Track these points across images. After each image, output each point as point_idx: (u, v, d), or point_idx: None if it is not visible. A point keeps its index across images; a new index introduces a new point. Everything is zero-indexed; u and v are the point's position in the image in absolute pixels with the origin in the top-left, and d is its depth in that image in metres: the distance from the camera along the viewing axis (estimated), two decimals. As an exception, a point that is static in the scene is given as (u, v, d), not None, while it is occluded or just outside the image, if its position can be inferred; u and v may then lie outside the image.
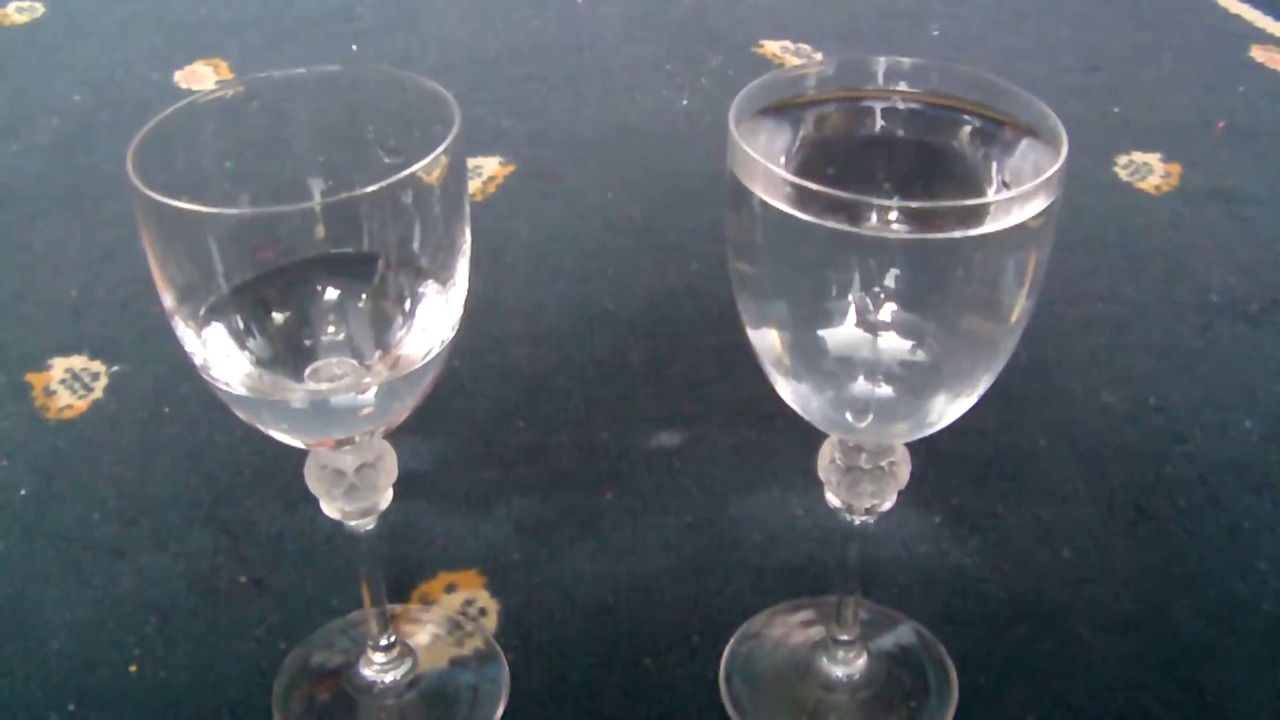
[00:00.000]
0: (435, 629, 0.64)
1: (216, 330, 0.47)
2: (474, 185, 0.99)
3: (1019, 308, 0.44)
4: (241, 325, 0.48)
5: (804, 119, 0.49)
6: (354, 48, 1.23)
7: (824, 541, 0.67)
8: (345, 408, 0.47)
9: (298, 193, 0.51)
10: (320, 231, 0.46)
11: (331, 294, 0.49)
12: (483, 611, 0.65)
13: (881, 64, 0.49)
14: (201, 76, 1.17)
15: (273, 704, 0.60)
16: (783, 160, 0.48)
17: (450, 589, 0.66)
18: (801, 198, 0.41)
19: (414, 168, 0.44)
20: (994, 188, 0.47)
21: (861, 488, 0.53)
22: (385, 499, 0.54)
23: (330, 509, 0.54)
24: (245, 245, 0.47)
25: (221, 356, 0.47)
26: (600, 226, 0.95)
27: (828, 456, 0.53)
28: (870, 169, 0.50)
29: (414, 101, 0.49)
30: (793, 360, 0.47)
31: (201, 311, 0.47)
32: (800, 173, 0.42)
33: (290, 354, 0.49)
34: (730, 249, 0.47)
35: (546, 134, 1.07)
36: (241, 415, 0.48)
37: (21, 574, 0.67)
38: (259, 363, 0.48)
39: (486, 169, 1.01)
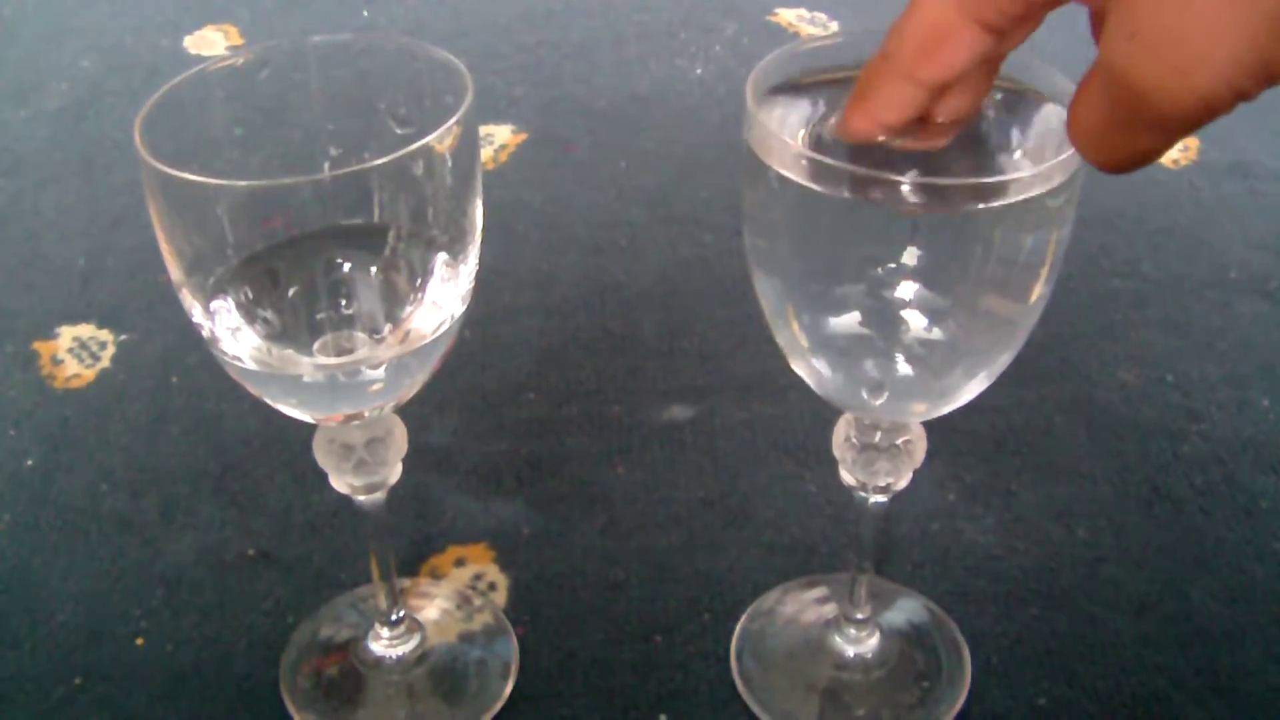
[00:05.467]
0: (444, 603, 0.63)
1: (225, 303, 0.47)
2: (486, 153, 0.98)
3: (1038, 287, 0.44)
4: (250, 298, 0.47)
5: (822, 92, 0.48)
6: (365, 13, 1.22)
7: (837, 518, 0.67)
8: (355, 382, 0.47)
9: (308, 162, 0.50)
10: (330, 203, 0.45)
11: (341, 266, 0.49)
12: (492, 586, 0.64)
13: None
14: (211, 42, 1.17)
15: (280, 678, 0.60)
16: (800, 134, 0.47)
17: (460, 563, 0.65)
18: (819, 173, 0.41)
19: (426, 139, 0.43)
20: (1015, 164, 0.46)
21: (877, 466, 0.52)
22: (395, 473, 0.54)
23: (339, 483, 0.53)
24: (254, 216, 0.46)
25: (230, 329, 0.47)
26: (613, 196, 0.94)
27: (842, 434, 0.53)
28: (888, 143, 0.49)
29: (426, 71, 0.48)
30: (808, 336, 0.46)
31: (210, 283, 0.46)
32: (818, 147, 0.41)
33: (299, 327, 0.48)
34: (746, 223, 0.46)
35: (559, 102, 1.07)
36: (250, 389, 0.48)
37: (28, 545, 0.66)
38: (268, 336, 0.48)
39: (498, 137, 1.01)
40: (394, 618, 0.60)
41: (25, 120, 1.05)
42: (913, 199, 0.40)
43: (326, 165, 0.50)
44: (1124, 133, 0.33)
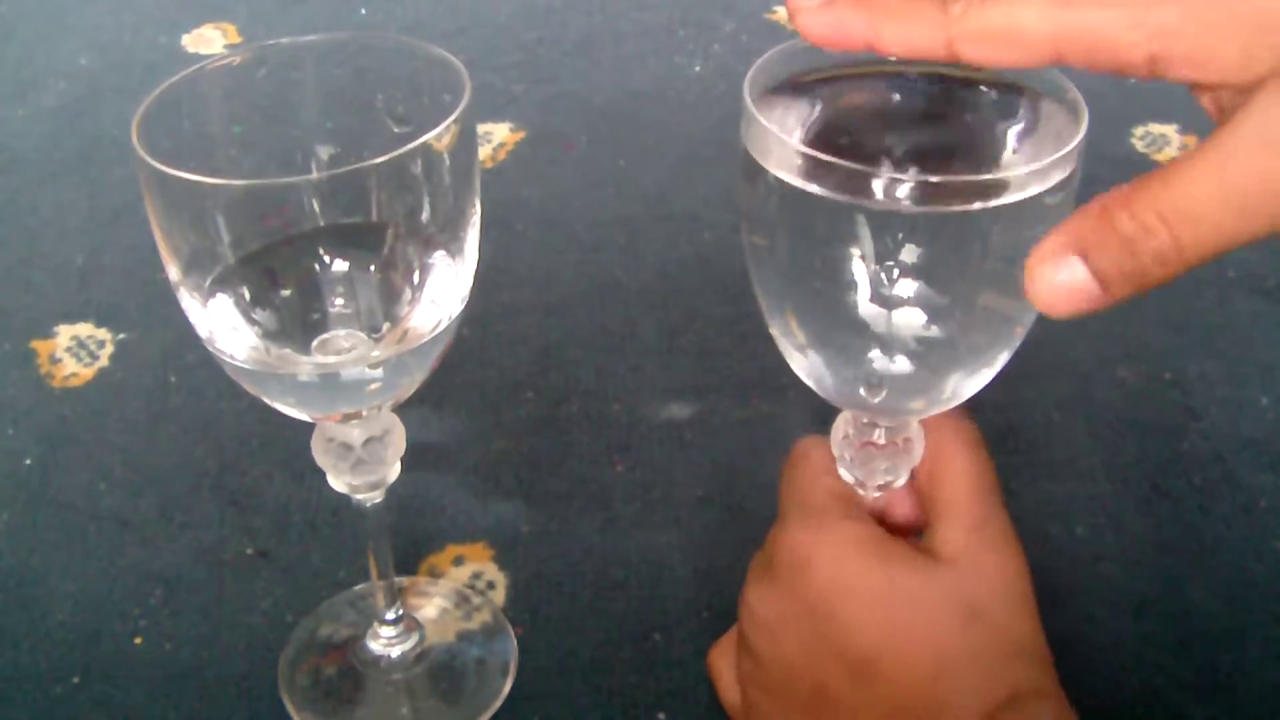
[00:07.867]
0: (443, 602, 0.63)
1: (222, 302, 0.47)
2: (484, 151, 0.98)
3: (1038, 284, 0.43)
4: (248, 297, 0.47)
5: (819, 91, 0.48)
6: (363, 11, 1.22)
7: (835, 516, 0.67)
8: (353, 381, 0.47)
9: (305, 161, 0.50)
10: (328, 201, 0.45)
11: (339, 265, 0.49)
12: (491, 585, 0.64)
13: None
14: (210, 40, 1.16)
15: (279, 677, 0.60)
16: (798, 133, 0.47)
17: (458, 562, 0.65)
18: (816, 171, 0.41)
19: (424, 138, 0.43)
20: (1012, 161, 0.46)
21: (875, 464, 0.52)
22: (393, 472, 0.54)
23: (338, 482, 0.53)
24: (251, 215, 0.46)
25: (227, 329, 0.47)
26: (612, 194, 0.94)
27: (841, 432, 0.52)
28: (887, 141, 0.49)
29: (424, 69, 0.48)
30: (806, 334, 0.46)
31: (207, 283, 0.46)
32: (815, 145, 0.41)
33: (297, 326, 0.48)
34: (744, 221, 0.46)
35: (558, 100, 1.06)
36: (248, 388, 0.48)
37: (26, 544, 0.66)
38: (265, 335, 0.48)
39: (497, 135, 1.01)
40: (393, 616, 0.60)
41: (23, 118, 1.05)
42: (910, 197, 0.40)
43: (324, 164, 0.50)
44: (1233, 218, 0.32)
